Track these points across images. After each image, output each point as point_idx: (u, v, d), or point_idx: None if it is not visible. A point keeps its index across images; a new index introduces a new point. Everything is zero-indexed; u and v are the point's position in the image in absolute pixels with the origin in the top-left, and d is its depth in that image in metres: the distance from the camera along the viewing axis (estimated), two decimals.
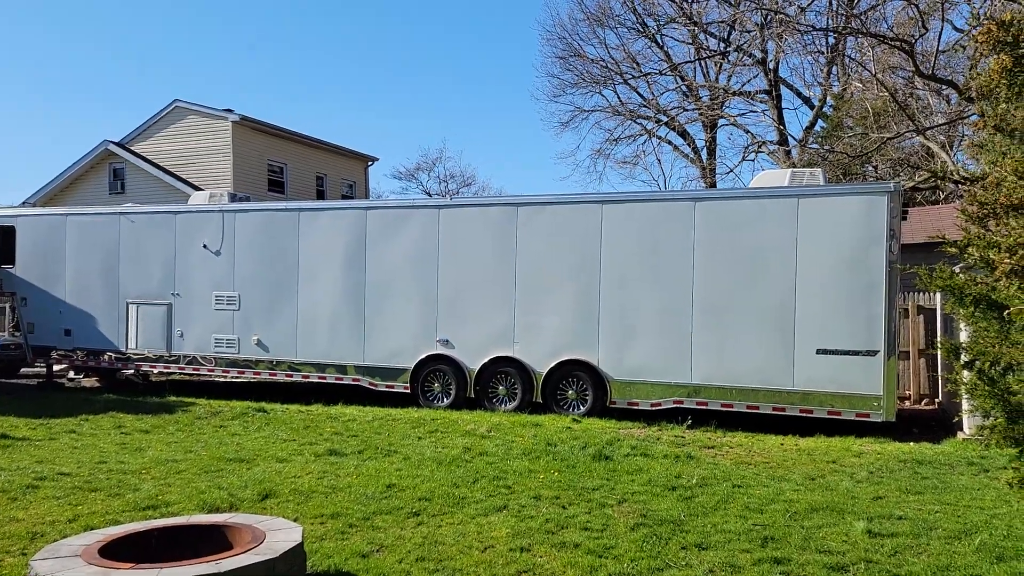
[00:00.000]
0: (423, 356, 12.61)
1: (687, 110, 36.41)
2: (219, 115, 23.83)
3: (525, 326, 12.06)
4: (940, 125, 19.02)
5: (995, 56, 4.20)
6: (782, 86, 33.97)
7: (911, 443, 9.94)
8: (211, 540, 4.69)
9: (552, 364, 11.84)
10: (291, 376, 13.52)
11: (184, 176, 23.46)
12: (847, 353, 10.31)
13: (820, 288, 10.47)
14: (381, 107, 75.34)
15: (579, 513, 6.62)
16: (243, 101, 77.02)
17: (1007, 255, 3.64)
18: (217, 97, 76.39)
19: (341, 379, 13.18)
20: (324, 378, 13.31)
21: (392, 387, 12.84)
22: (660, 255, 11.31)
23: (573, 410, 11.80)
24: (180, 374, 15.55)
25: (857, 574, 5.18)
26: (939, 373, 12.77)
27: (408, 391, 12.71)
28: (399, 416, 11.67)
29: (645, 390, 11.38)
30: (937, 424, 11.43)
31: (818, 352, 10.44)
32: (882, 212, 10.22)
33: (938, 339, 12.84)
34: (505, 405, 12.17)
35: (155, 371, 15.47)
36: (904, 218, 10.75)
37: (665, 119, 35.91)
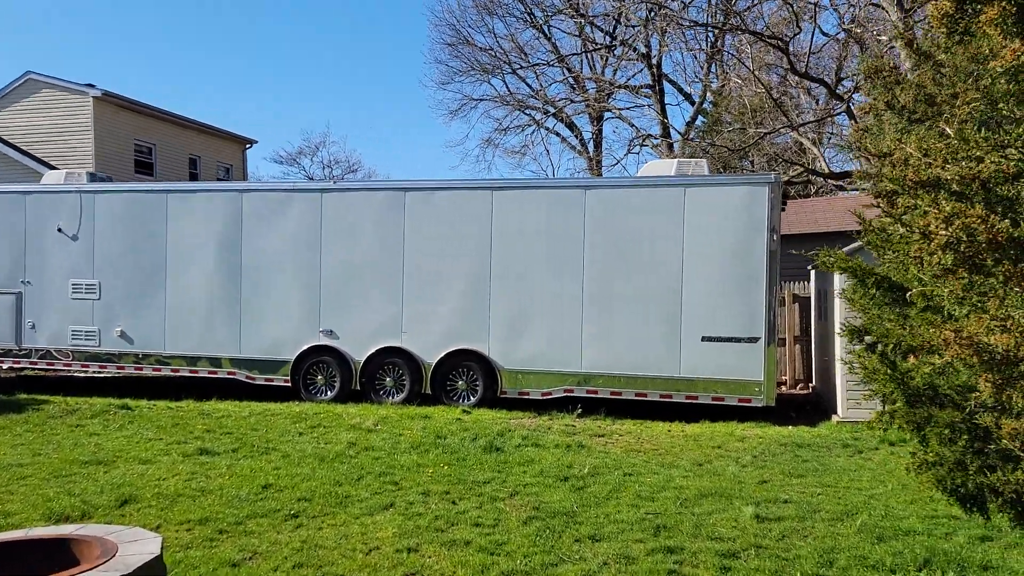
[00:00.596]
0: (305, 347, 12.01)
1: (574, 102, 36.90)
2: (79, 89, 22.01)
3: (414, 315, 11.68)
4: (812, 122, 19.93)
5: (935, 3, 4.19)
6: (665, 81, 34.94)
7: (790, 427, 10.26)
8: (52, 557, 4.11)
9: (441, 354, 11.53)
10: (159, 370, 12.59)
11: (39, 155, 21.55)
12: (730, 340, 10.52)
13: (705, 277, 10.63)
14: (261, 89, 72.46)
15: (470, 508, 6.36)
16: (115, 82, 72.12)
17: (943, 225, 3.60)
18: (90, 77, 71.22)
19: (215, 373, 12.39)
20: (196, 372, 12.46)
21: (272, 380, 12.17)
22: (551, 243, 11.20)
23: (463, 401, 11.54)
24: (33, 370, 14.24)
25: (748, 560, 5.17)
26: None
27: (289, 384, 12.08)
28: (279, 411, 11.06)
29: (536, 380, 11.25)
30: (812, 408, 11.88)
31: (703, 339, 10.61)
32: (763, 202, 10.47)
33: (813, 326, 13.39)
34: (393, 397, 11.77)
35: (3, 367, 14.08)
36: (783, 209, 11.07)
37: (552, 110, 36.22)
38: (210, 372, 12.40)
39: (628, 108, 37.36)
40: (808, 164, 19.83)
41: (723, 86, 30.64)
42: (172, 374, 12.61)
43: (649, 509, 6.28)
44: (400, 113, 71.90)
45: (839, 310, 10.06)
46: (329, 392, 12.01)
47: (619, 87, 35.43)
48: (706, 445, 9.00)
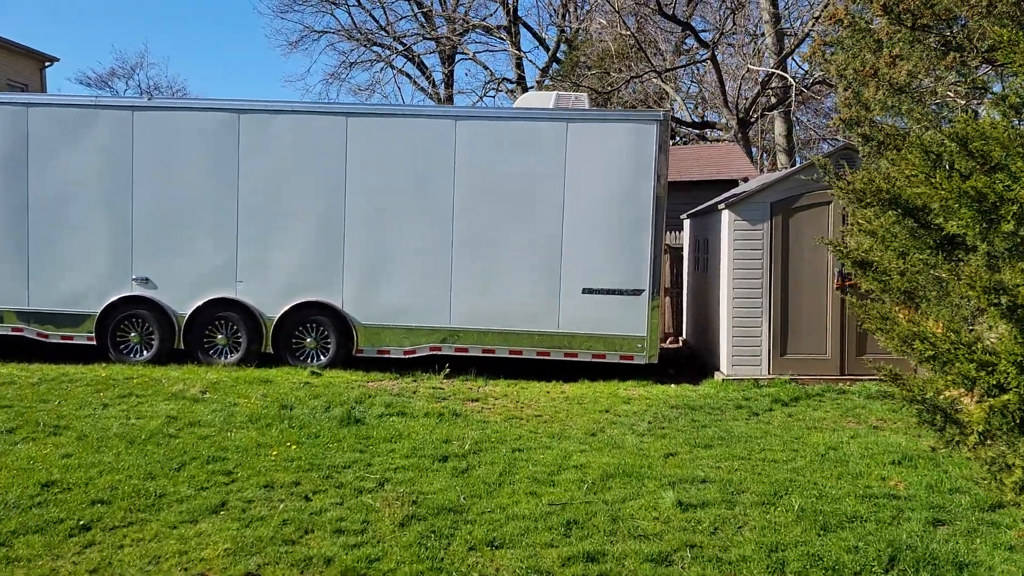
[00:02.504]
0: (114, 299, 9.94)
1: (426, 39, 34.97)
2: None
3: (251, 262, 9.92)
4: (676, 68, 19.41)
5: None
6: (522, 26, 33.73)
7: (672, 385, 9.57)
8: None
9: (286, 307, 9.88)
10: None
11: None
12: (613, 292, 9.64)
13: (587, 223, 9.63)
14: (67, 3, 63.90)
15: (329, 506, 5.00)
16: None
17: None
18: None
19: None
20: None
21: (70, 338, 10.03)
22: (416, 181, 9.76)
23: (313, 361, 9.99)
24: None
25: (685, 566, 4.19)
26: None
27: (94, 343, 10.00)
28: (79, 376, 9.04)
29: (398, 336, 9.89)
30: (687, 363, 11.34)
31: (584, 292, 9.65)
32: (651, 143, 9.55)
33: (685, 276, 12.86)
34: (226, 358, 10.01)
35: None
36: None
37: (401, 48, 34.12)
38: None
39: (482, 51, 35.90)
40: (671, 112, 19.34)
41: (577, 31, 29.85)
42: None
43: (552, 498, 5.20)
44: (232, 39, 66.03)
45: (727, 260, 9.40)
46: (145, 352, 10.05)
47: (472, 26, 33.85)
48: (592, 409, 8.07)
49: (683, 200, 14.14)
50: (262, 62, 68.03)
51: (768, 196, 9.28)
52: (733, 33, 20.44)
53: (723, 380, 9.30)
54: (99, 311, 9.93)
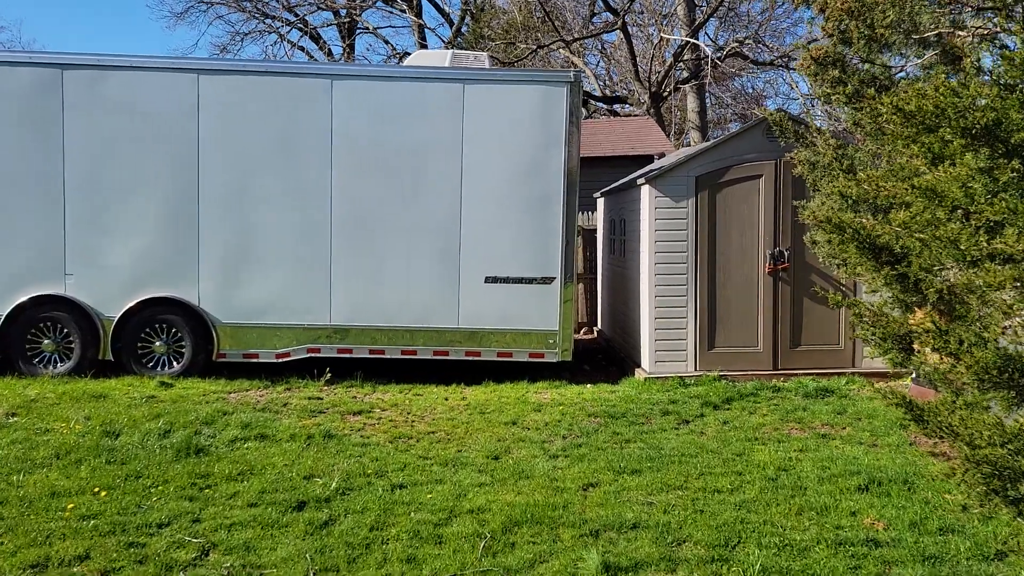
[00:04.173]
0: None
1: (320, 9, 32.82)
2: None
3: (84, 251, 8.16)
4: (586, 37, 18.28)
5: None
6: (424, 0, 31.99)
7: (588, 385, 8.41)
8: None
9: (129, 305, 8.18)
10: None
11: None
12: (520, 281, 8.37)
13: (489, 201, 8.32)
14: None
15: None
16: None
17: None
18: None
19: None
20: None
21: None
22: (286, 152, 8.21)
23: (164, 369, 8.34)
24: None
25: None
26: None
27: None
28: None
29: (267, 336, 8.35)
30: (604, 358, 10.23)
31: (487, 280, 8.35)
32: (561, 107, 8.30)
33: (599, 261, 11.75)
34: (55, 367, 8.24)
35: None
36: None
37: (294, 18, 31.87)
38: None
39: (385, 27, 34.07)
40: (582, 74, 18.21)
41: (484, 6, 28.41)
42: None
43: (436, 567, 3.88)
44: (110, 11, 60.95)
45: (647, 242, 8.27)
46: None
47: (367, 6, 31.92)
48: (497, 421, 6.80)
49: (596, 178, 13.03)
50: (141, 33, 63.27)
51: (692, 169, 8.19)
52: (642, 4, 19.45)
53: (645, 379, 8.19)
54: None
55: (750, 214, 8.16)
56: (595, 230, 12.09)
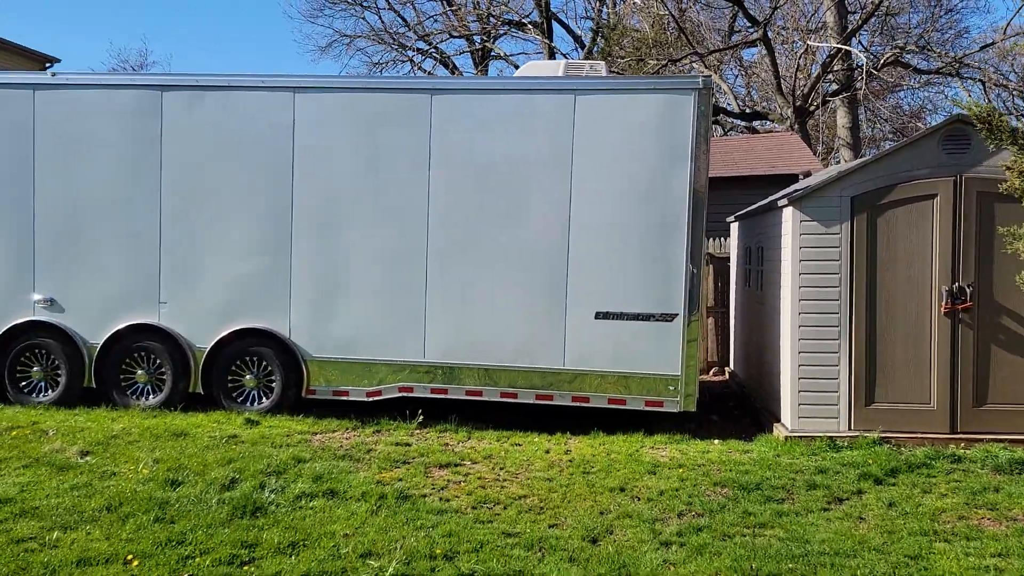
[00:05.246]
0: (12, 324, 7.96)
1: (453, 37, 33.16)
2: None
3: (178, 279, 7.84)
4: (722, 50, 16.93)
5: None
6: (555, 22, 31.58)
7: (716, 441, 7.20)
8: None
9: (219, 336, 7.77)
10: None
11: None
12: (636, 318, 7.30)
13: (602, 225, 7.33)
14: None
15: None
16: None
17: None
18: None
19: None
20: None
21: None
22: (381, 173, 7.57)
23: (254, 404, 7.86)
24: None
25: None
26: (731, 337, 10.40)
27: None
28: None
29: (358, 373, 7.69)
30: (736, 405, 8.93)
31: (597, 316, 7.34)
32: (686, 118, 7.22)
33: (732, 293, 10.45)
34: (147, 399, 7.94)
35: None
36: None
37: (426, 47, 32.29)
38: None
39: (517, 54, 34.04)
40: (715, 101, 16.87)
41: (616, 25, 27.49)
42: None
43: None
44: (257, 44, 64.44)
45: (791, 274, 6.99)
46: (51, 391, 8.04)
47: (503, 22, 31.90)
48: (602, 486, 5.75)
49: (730, 201, 11.74)
50: (288, 67, 66.78)
51: (847, 188, 6.86)
52: (785, 7, 17.81)
53: (786, 438, 6.88)
54: None
55: (921, 242, 6.73)
56: (728, 259, 10.81)
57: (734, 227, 10.42)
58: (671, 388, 7.29)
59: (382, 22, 32.49)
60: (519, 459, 6.47)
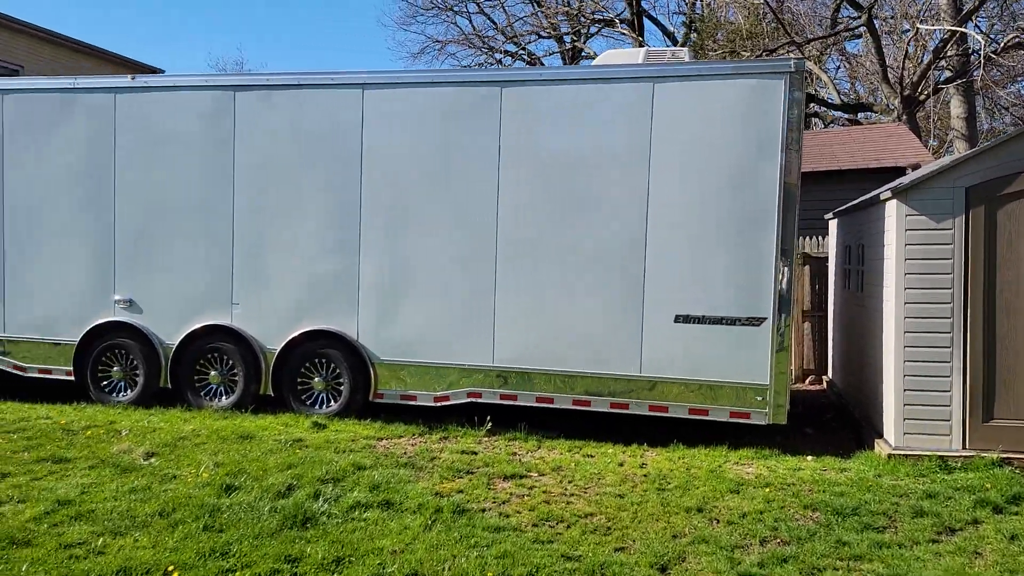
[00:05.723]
0: (94, 325, 8.11)
1: (541, 37, 32.99)
2: None
3: (250, 280, 7.80)
4: (822, 37, 15.91)
5: None
6: (646, 19, 30.88)
7: (808, 457, 6.57)
8: None
9: (289, 338, 7.68)
10: None
11: None
12: (719, 322, 6.75)
13: (682, 222, 6.82)
14: (169, 15, 65.66)
15: None
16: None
17: None
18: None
19: None
20: None
21: (49, 372, 8.28)
22: (449, 170, 7.31)
23: (322, 407, 7.73)
24: None
25: None
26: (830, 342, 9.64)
27: (73, 378, 8.20)
28: (28, 423, 7.19)
29: (425, 377, 7.44)
30: (833, 417, 8.21)
31: (677, 320, 6.83)
32: (776, 104, 6.62)
33: (830, 295, 9.68)
34: (219, 400, 7.94)
35: None
36: (806, 122, 7.23)
37: (515, 49, 32.18)
38: None
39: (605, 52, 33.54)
40: (813, 92, 15.90)
41: (709, 18, 26.54)
42: None
43: None
44: (352, 48, 65.80)
45: (895, 274, 6.30)
46: (129, 391, 8.15)
47: (594, 21, 31.46)
48: (678, 505, 5.27)
49: (829, 196, 10.95)
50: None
51: (961, 178, 6.12)
52: None
53: (888, 456, 6.18)
54: (78, 340, 8.12)
55: None
56: (826, 258, 10.04)
57: (833, 224, 9.65)
58: (759, 399, 6.70)
59: (473, 26, 32.71)
60: (590, 472, 6.04)
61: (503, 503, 5.31)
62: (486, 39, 32.93)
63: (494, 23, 33.17)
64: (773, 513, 5.10)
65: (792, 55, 7.60)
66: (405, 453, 6.50)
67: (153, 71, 24.07)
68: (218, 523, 4.76)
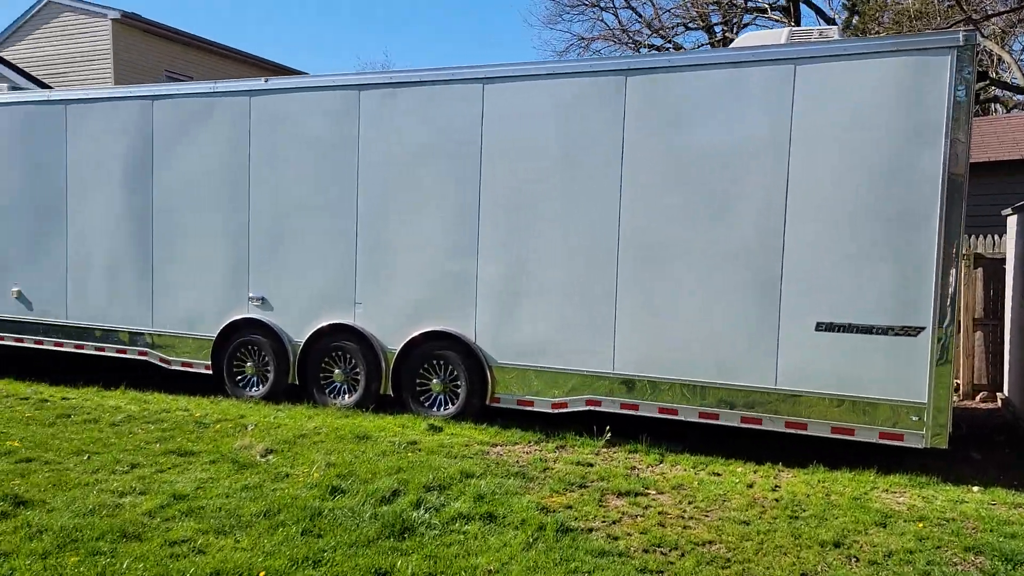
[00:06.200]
0: (229, 321, 8.43)
1: (689, 29, 31.92)
2: (97, 11, 19.36)
3: (371, 278, 7.82)
4: (1013, 10, 14.15)
5: None
6: (802, 4, 29.13)
7: (974, 488, 5.73)
8: None
9: (409, 338, 7.62)
10: (61, 344, 9.36)
11: (60, 87, 19.15)
12: (868, 331, 6.01)
13: (825, 217, 6.13)
14: (324, 20, 68.68)
15: None
16: (149, 9, 70.79)
17: None
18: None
19: (124, 352, 9.02)
20: (103, 349, 9.15)
21: (190, 365, 8.69)
22: (569, 165, 6.97)
23: (440, 409, 7.63)
24: None
25: None
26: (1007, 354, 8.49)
27: (210, 372, 8.56)
28: (167, 415, 7.54)
29: (543, 382, 7.15)
30: (1007, 440, 7.18)
31: (818, 328, 6.15)
32: (941, 84, 5.81)
33: (1007, 301, 8.53)
34: (343, 398, 8.02)
35: None
36: (977, 105, 6.32)
37: (661, 41, 31.30)
38: (119, 351, 9.06)
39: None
40: (995, 75, 14.23)
41: None
42: (76, 350, 9.36)
43: None
44: (498, 52, 66.58)
45: None
46: (261, 386, 8.40)
47: (746, 10, 30.08)
48: (811, 537, 4.67)
49: (1006, 190, 9.68)
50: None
51: None
52: None
53: None
54: (215, 335, 8.47)
55: None
56: (1003, 259, 8.86)
57: (1012, 221, 8.48)
58: (914, 419, 5.91)
59: (619, 21, 32.20)
60: (713, 493, 5.53)
61: (613, 523, 4.92)
62: (632, 33, 32.34)
63: (640, 16, 32.50)
64: (926, 554, 4.41)
65: (961, 29, 6.65)
66: (518, 461, 6.23)
67: (296, 73, 25.22)
68: (318, 527, 4.68)
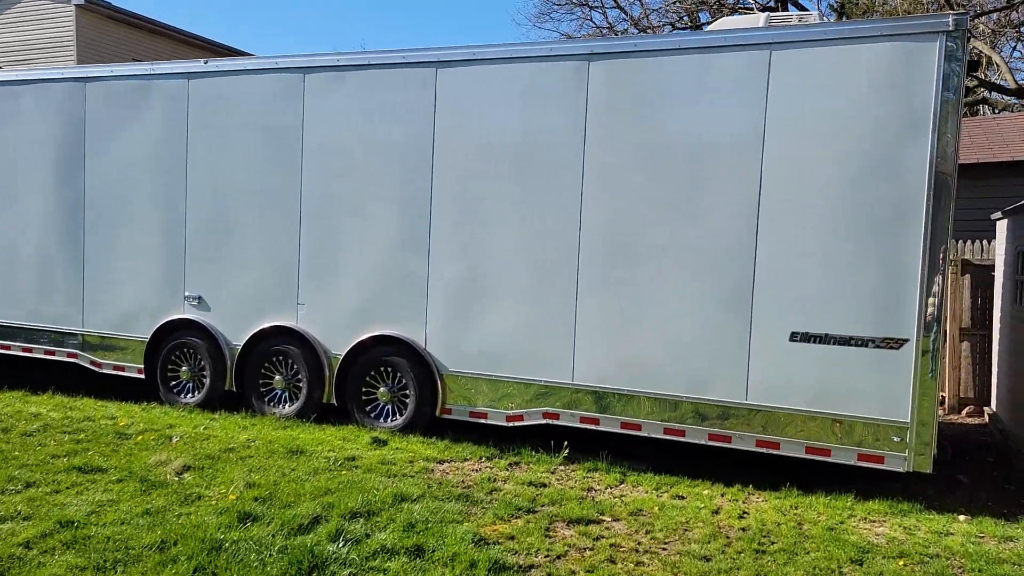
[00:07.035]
0: (164, 321, 7.79)
1: (676, 28, 31.49)
2: None
3: (315, 278, 7.21)
4: (996, 10, 13.74)
5: None
6: (790, 5, 28.78)
7: (960, 517, 5.20)
8: None
9: (353, 342, 7.02)
10: None
11: None
12: (847, 343, 5.47)
13: (801, 217, 5.59)
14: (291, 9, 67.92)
15: None
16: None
17: None
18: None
19: (52, 353, 8.37)
20: (30, 350, 8.51)
21: (122, 369, 8.04)
22: (526, 158, 6.39)
23: (388, 419, 7.03)
24: None
25: None
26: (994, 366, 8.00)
27: (143, 376, 7.92)
28: (88, 424, 6.91)
29: (497, 393, 6.57)
30: (996, 460, 6.67)
31: (793, 338, 5.60)
32: (928, 72, 5.28)
33: (996, 311, 8.04)
34: (283, 407, 7.41)
35: None
36: (967, 97, 5.80)
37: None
38: (47, 352, 8.41)
39: None
40: (983, 76, 13.79)
41: None
42: (3, 351, 8.70)
43: None
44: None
45: None
46: (197, 392, 7.77)
47: (735, 8, 29.70)
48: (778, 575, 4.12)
49: (994, 193, 9.20)
50: None
51: None
52: None
53: None
54: (149, 336, 7.84)
55: None
56: (991, 266, 8.36)
57: (1002, 225, 7.98)
58: (896, 439, 5.37)
59: (607, 20, 31.76)
60: (674, 521, 4.97)
61: (557, 558, 4.35)
62: (620, 33, 31.96)
63: (628, 16, 32.11)
64: None
65: (951, 12, 6.12)
66: (463, 481, 5.65)
67: (243, 55, 24.49)
68: (214, 565, 4.08)
